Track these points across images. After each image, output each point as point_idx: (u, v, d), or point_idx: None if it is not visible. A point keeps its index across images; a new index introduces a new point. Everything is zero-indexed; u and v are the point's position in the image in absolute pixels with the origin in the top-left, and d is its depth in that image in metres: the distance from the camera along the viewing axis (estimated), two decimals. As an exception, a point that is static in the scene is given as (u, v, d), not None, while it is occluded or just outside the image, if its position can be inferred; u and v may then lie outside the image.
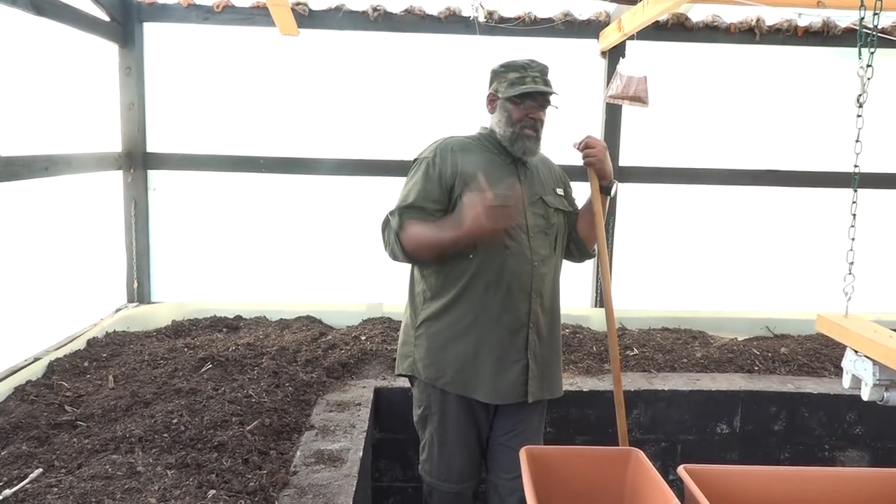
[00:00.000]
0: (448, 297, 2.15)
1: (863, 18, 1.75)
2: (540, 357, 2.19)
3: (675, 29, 3.61)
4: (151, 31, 3.58)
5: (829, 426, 2.92)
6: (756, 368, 3.12)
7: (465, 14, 3.57)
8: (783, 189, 3.84)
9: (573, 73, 3.67)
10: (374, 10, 3.54)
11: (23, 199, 2.82)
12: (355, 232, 3.64)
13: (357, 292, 3.72)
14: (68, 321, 3.07)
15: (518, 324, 2.15)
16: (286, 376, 2.66)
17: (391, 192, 2.27)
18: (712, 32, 3.65)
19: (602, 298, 3.68)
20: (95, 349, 2.91)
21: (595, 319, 3.62)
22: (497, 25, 3.56)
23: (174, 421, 2.12)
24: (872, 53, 1.69)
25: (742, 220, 3.87)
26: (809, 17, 3.57)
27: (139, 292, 3.69)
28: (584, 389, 2.84)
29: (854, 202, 1.80)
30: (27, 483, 1.77)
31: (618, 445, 2.24)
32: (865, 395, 1.67)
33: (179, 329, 3.30)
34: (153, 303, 3.70)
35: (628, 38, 3.37)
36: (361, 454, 2.14)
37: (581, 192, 2.37)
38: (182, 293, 3.74)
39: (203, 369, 2.66)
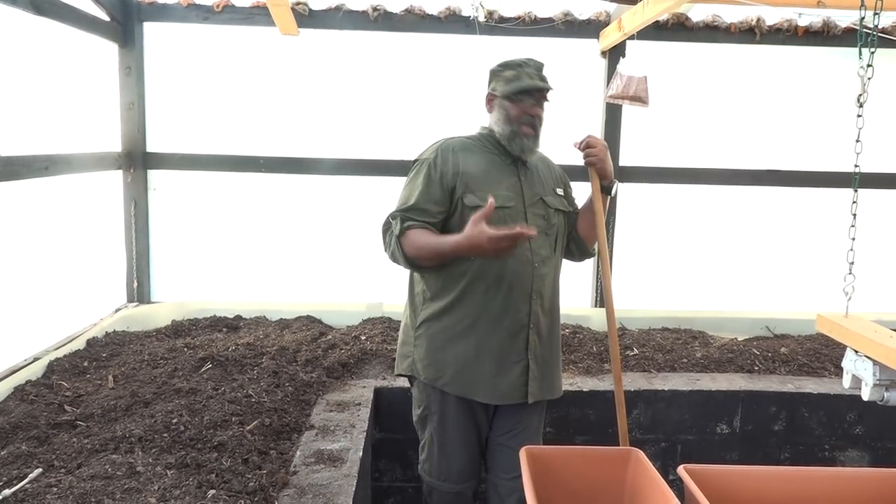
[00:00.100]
0: (448, 298, 2.15)
1: (863, 18, 1.75)
2: (540, 357, 2.19)
3: (675, 29, 3.61)
4: (151, 31, 3.58)
5: (829, 426, 2.92)
6: (756, 368, 3.12)
7: (465, 14, 3.57)
8: (784, 189, 3.84)
9: (573, 73, 3.67)
10: (374, 9, 3.54)
11: (23, 199, 2.82)
12: (355, 232, 3.64)
13: (357, 292, 3.72)
14: (68, 321, 3.07)
15: (518, 325, 2.15)
16: (286, 376, 2.66)
17: (391, 192, 2.27)
18: (712, 32, 3.65)
19: (602, 298, 3.68)
20: (95, 349, 2.91)
21: (595, 319, 3.62)
22: (497, 25, 3.56)
23: (174, 421, 2.12)
24: (873, 53, 1.69)
25: (742, 220, 3.87)
26: (809, 17, 3.57)
27: (139, 292, 3.69)
28: (584, 389, 2.84)
29: (854, 202, 1.79)
30: (27, 483, 1.77)
31: (618, 445, 2.24)
32: (865, 395, 1.67)
33: (179, 329, 3.30)
34: (153, 303, 3.70)
35: (628, 38, 3.37)
36: (361, 454, 2.14)
37: (582, 192, 2.36)
38: (182, 293, 3.74)
39: (203, 369, 2.66)
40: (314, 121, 3.68)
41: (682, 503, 1.66)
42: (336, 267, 3.76)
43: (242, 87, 3.64)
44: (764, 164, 3.80)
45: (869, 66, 1.70)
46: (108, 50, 3.48)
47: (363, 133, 3.68)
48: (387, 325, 3.42)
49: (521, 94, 2.11)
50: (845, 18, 3.57)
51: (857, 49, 1.69)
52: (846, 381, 1.74)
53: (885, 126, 3.64)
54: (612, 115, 3.69)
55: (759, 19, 3.60)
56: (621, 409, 2.30)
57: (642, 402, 2.85)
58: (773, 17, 3.62)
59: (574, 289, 3.73)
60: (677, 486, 1.84)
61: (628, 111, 3.65)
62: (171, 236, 3.74)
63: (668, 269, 3.88)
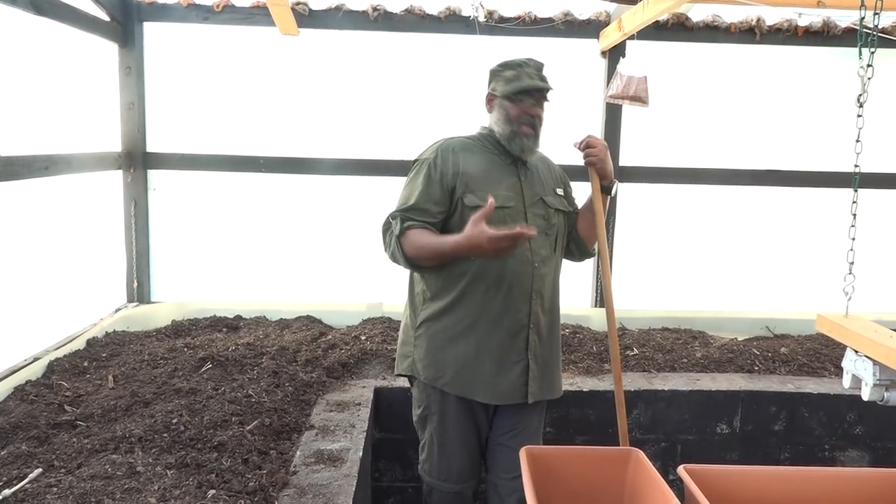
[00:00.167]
0: (448, 299, 2.14)
1: (863, 18, 1.75)
2: (540, 357, 2.19)
3: (675, 29, 3.61)
4: (151, 31, 3.58)
5: (829, 426, 2.92)
6: (756, 368, 3.12)
7: (465, 14, 3.57)
8: (784, 189, 3.84)
9: (573, 73, 3.67)
10: (374, 9, 3.54)
11: (22, 199, 2.82)
12: (355, 232, 3.64)
13: (357, 292, 3.72)
14: (68, 321, 3.07)
15: (518, 325, 2.15)
16: (286, 376, 2.66)
17: (391, 192, 2.27)
18: (712, 32, 3.65)
19: (602, 298, 3.68)
20: (95, 349, 2.91)
21: (595, 319, 3.62)
22: (497, 25, 3.56)
23: (174, 421, 2.12)
24: (873, 53, 1.69)
25: (742, 220, 3.87)
26: (809, 17, 3.57)
27: (139, 292, 3.69)
28: (584, 389, 2.84)
29: (854, 202, 1.79)
30: (27, 483, 1.77)
31: (618, 445, 2.24)
32: (865, 395, 1.67)
33: (179, 329, 3.30)
34: (153, 303, 3.70)
35: (628, 38, 3.37)
36: (361, 454, 2.14)
37: (582, 192, 2.36)
38: (182, 293, 3.74)
39: (203, 369, 2.66)
40: (314, 121, 3.68)
41: (682, 503, 1.66)
42: (336, 267, 3.76)
43: (242, 87, 3.64)
44: (764, 164, 3.80)
45: (869, 66, 1.70)
46: (108, 50, 3.48)
47: (363, 133, 3.68)
48: (387, 325, 3.42)
49: (521, 94, 2.11)
50: (845, 18, 3.57)
51: (857, 49, 1.69)
52: (846, 381, 1.74)
53: (885, 126, 3.64)
54: (612, 115, 3.69)
55: (759, 19, 3.60)
56: (621, 409, 2.30)
57: (642, 402, 2.85)
58: (773, 17, 3.62)
59: (574, 289, 3.73)
60: (677, 486, 1.84)
61: (628, 111, 3.65)
62: (171, 236, 3.74)
63: (668, 268, 3.88)
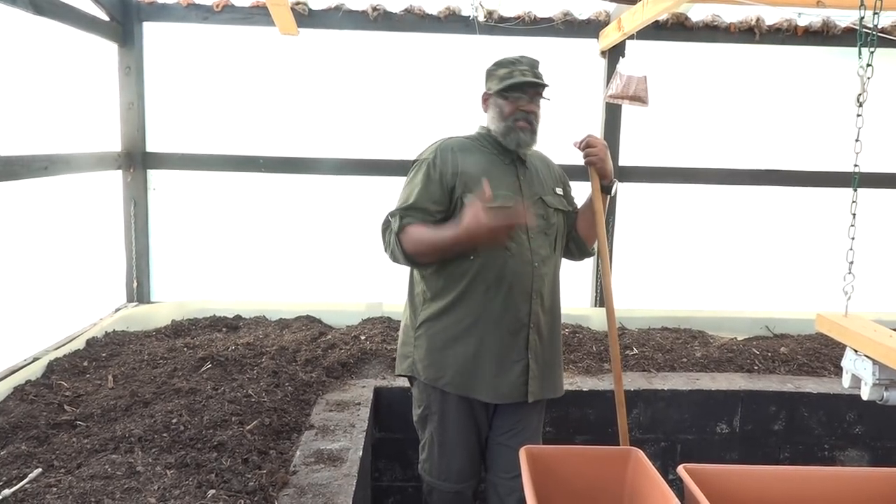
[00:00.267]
0: (448, 299, 2.15)
1: (863, 18, 1.75)
2: (540, 357, 2.19)
3: (674, 28, 3.61)
4: (151, 31, 3.58)
5: (829, 426, 2.92)
6: (756, 368, 3.12)
7: (464, 13, 3.57)
8: (783, 189, 3.84)
9: (573, 72, 3.67)
10: (374, 9, 3.54)
11: (22, 199, 2.82)
12: (355, 232, 3.64)
13: (357, 292, 3.72)
14: (68, 321, 3.07)
15: (519, 324, 2.15)
16: (286, 376, 2.66)
17: (391, 192, 2.27)
18: (712, 32, 3.65)
19: (602, 298, 3.68)
20: (95, 349, 2.91)
21: (595, 319, 3.62)
22: (497, 25, 3.56)
23: (174, 421, 2.12)
24: (872, 53, 1.69)
25: (742, 219, 3.87)
26: (809, 17, 3.57)
27: (139, 292, 3.69)
28: (584, 389, 2.84)
29: (854, 202, 1.79)
30: (26, 483, 1.77)
31: (618, 445, 2.24)
32: (865, 394, 1.67)
33: (179, 329, 3.30)
34: (153, 302, 3.70)
35: (628, 38, 3.37)
36: (361, 454, 2.14)
37: (582, 192, 2.37)
38: (182, 293, 3.74)
39: (203, 369, 2.66)
40: (314, 121, 3.68)
41: (681, 503, 1.66)
42: (336, 267, 3.76)
43: (242, 86, 3.64)
44: (763, 163, 3.80)
45: (868, 65, 1.70)
46: (107, 50, 3.48)
47: (363, 133, 3.68)
48: (386, 325, 3.42)
49: (514, 90, 2.11)
50: (845, 18, 3.57)
51: (856, 49, 1.69)
52: (846, 381, 1.74)
53: (885, 126, 3.64)
54: (612, 115, 3.69)
55: (758, 19, 3.60)
56: (621, 409, 2.30)
57: (642, 401, 2.85)
58: (772, 16, 3.62)
59: (574, 288, 3.73)
60: (677, 485, 1.84)
61: (628, 111, 3.65)
62: (171, 236, 3.74)
63: (668, 268, 3.88)
